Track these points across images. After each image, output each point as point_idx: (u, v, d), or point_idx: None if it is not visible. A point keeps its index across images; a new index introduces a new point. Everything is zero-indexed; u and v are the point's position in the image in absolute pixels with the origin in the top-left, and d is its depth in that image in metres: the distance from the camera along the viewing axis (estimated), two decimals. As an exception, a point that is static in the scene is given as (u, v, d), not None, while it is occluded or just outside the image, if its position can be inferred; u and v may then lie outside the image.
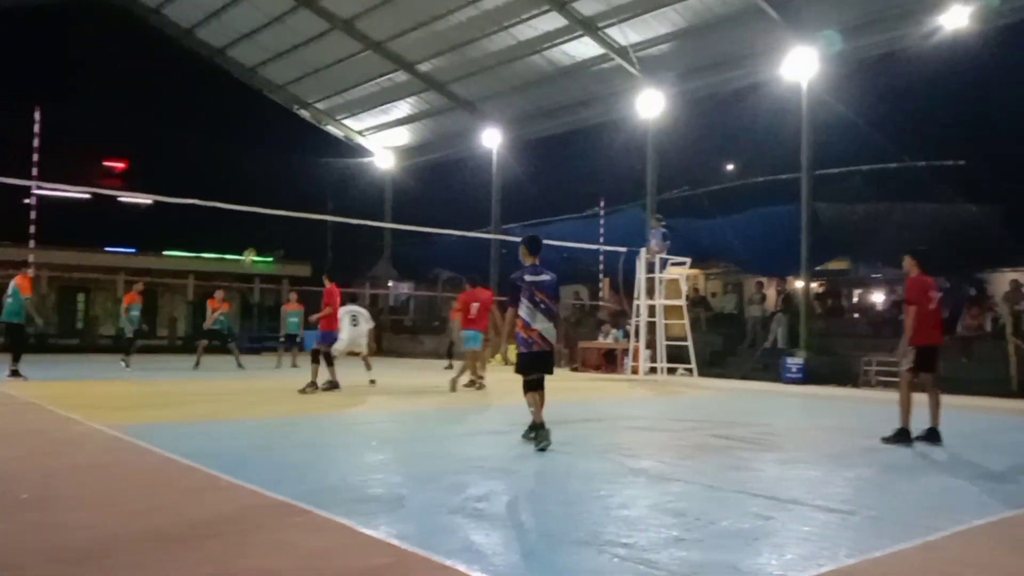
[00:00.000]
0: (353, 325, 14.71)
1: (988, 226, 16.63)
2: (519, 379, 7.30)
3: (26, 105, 26.61)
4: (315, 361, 12.49)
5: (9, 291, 14.01)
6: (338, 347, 13.91)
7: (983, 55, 16.98)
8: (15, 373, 13.70)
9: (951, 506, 5.32)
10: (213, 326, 18.35)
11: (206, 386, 13.95)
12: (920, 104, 19.44)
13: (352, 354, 14.95)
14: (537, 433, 7.08)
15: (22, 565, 3.58)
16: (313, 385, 12.25)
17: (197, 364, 17.62)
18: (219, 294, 18.82)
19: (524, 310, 7.08)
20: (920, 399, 7.94)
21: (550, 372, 7.28)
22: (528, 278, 7.15)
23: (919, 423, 7.83)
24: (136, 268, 30.06)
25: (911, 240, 19.40)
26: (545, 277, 7.19)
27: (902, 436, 7.74)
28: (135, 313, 17.75)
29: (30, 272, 14.49)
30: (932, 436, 7.81)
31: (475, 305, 13.43)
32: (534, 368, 7.17)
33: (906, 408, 7.84)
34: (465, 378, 13.71)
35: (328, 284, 12.78)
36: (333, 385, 12.60)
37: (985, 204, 17.22)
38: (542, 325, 7.06)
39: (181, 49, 28.21)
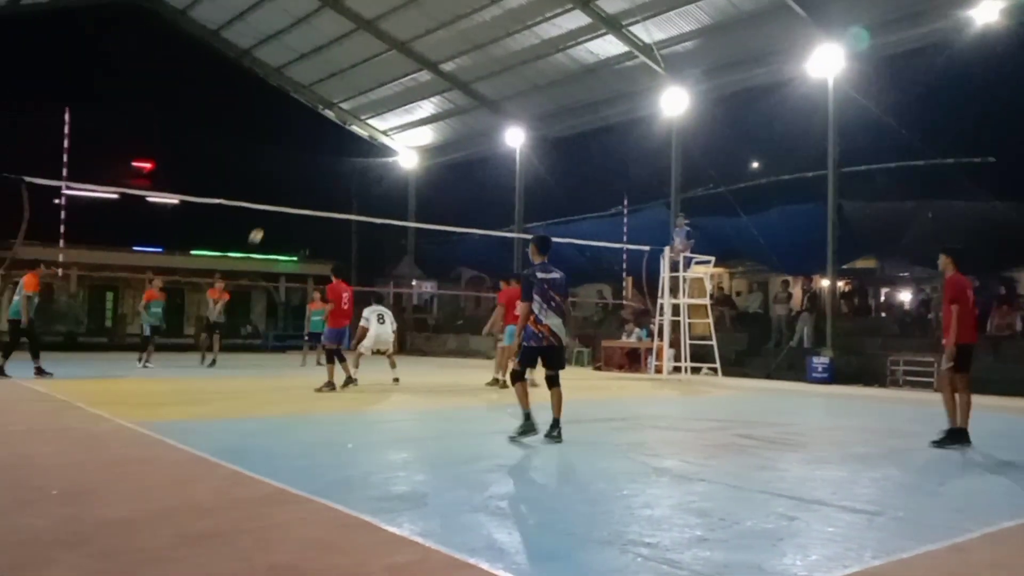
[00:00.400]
0: (380, 323, 14.75)
1: (1018, 224, 16.37)
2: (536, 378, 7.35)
3: (56, 107, 27.05)
4: (330, 361, 12.46)
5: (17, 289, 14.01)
6: (365, 344, 13.99)
7: (1013, 50, 16.72)
8: (40, 371, 13.81)
9: (979, 507, 5.26)
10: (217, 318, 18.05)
11: (231, 383, 14.09)
12: (949, 100, 19.16)
13: (378, 352, 15.00)
14: (523, 424, 7.23)
15: (55, 559, 3.65)
16: (330, 385, 12.21)
17: (214, 361, 17.64)
18: (219, 284, 18.43)
19: (536, 305, 7.21)
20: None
21: (561, 367, 7.45)
22: (540, 275, 7.30)
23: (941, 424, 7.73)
24: (164, 267, 30.38)
25: (939, 238, 19.25)
26: (555, 275, 7.35)
27: (956, 436, 7.55)
28: (156, 310, 17.63)
29: (40, 269, 14.32)
30: (960, 437, 7.68)
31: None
32: (536, 361, 7.41)
33: (951, 408, 7.69)
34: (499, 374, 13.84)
35: (333, 280, 12.78)
36: (349, 380, 12.60)
37: (1015, 201, 16.96)
38: (552, 321, 7.19)
39: (208, 50, 28.47)
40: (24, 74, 28.46)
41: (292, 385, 13.87)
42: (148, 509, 4.65)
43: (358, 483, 5.58)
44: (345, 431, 8.55)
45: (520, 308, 7.48)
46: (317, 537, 4.12)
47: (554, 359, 7.40)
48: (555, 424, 7.30)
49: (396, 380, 14.13)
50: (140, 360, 17.40)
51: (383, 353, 14.99)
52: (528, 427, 7.22)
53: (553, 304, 7.19)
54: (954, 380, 7.73)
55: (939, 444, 7.53)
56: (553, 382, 7.44)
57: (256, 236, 15.83)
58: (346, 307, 12.58)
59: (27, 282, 13.82)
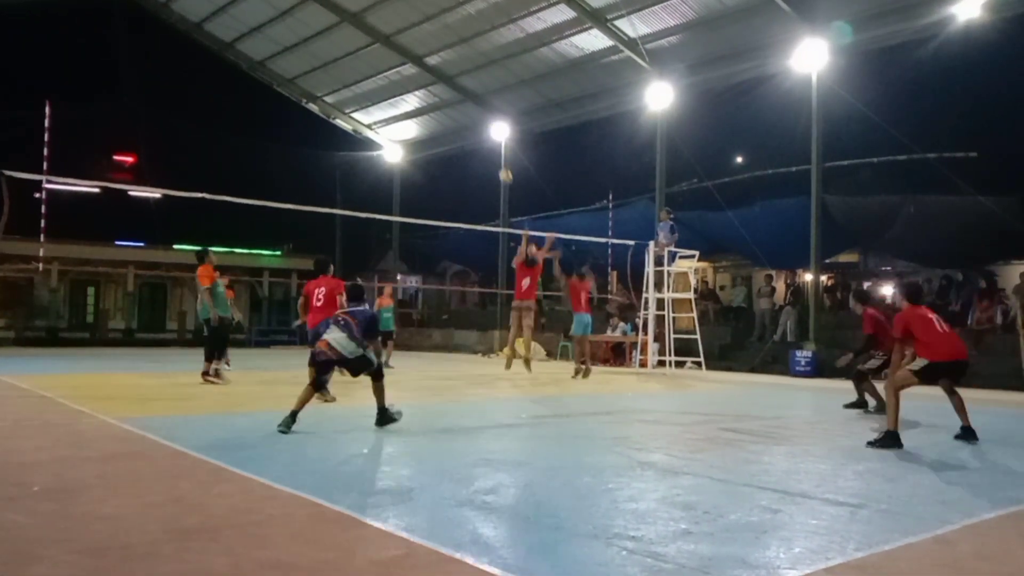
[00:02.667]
0: None
1: (1000, 218, 16.53)
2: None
3: (35, 100, 26.75)
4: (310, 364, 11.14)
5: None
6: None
7: (996, 45, 16.85)
8: (206, 374, 12.71)
9: (962, 499, 5.31)
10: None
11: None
12: (932, 96, 19.32)
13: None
14: (286, 419, 7.44)
15: (39, 556, 3.62)
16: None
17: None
18: (209, 258, 17.61)
19: (327, 330, 7.92)
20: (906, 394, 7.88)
21: (357, 372, 8.05)
22: (340, 312, 8.30)
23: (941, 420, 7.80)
24: (146, 262, 30.19)
25: (921, 232, 19.45)
26: (360, 307, 8.17)
27: (892, 439, 7.25)
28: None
29: (211, 258, 12.98)
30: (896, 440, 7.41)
31: (584, 294, 15.71)
32: (326, 371, 8.08)
33: (960, 408, 7.76)
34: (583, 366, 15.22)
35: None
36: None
37: (997, 196, 17.11)
38: (331, 335, 7.71)
39: (190, 43, 28.26)
40: (3, 67, 28.15)
41: (276, 380, 13.82)
42: (133, 505, 4.62)
43: (344, 478, 5.57)
44: (332, 426, 8.53)
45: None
46: (303, 532, 4.11)
47: (350, 368, 7.98)
48: (380, 411, 7.95)
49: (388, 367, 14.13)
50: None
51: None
52: (287, 423, 7.41)
53: (342, 324, 7.77)
54: (902, 383, 7.43)
55: (875, 444, 7.26)
56: (374, 378, 7.98)
57: (506, 176, 15.75)
58: (320, 303, 10.73)
59: (201, 275, 12.74)
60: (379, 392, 7.99)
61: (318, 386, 8.08)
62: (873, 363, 10.25)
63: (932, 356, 7.41)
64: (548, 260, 15.01)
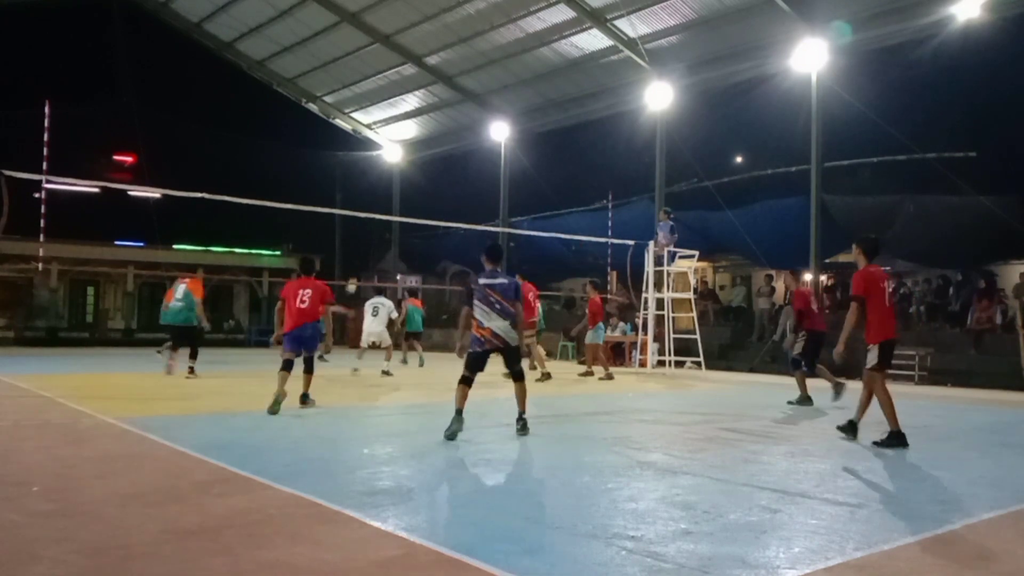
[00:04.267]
0: (373, 316, 14.74)
1: (999, 218, 16.52)
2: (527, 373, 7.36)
3: (35, 100, 26.74)
4: (283, 368, 9.62)
5: (180, 294, 13.85)
6: (362, 338, 14.01)
7: (995, 45, 16.85)
8: (192, 370, 13.55)
9: (961, 499, 5.31)
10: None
11: (216, 379, 14.00)
12: (931, 95, 19.29)
13: (374, 346, 15.04)
14: (452, 420, 7.23)
15: (38, 556, 3.62)
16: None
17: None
18: (199, 273, 16.84)
19: (478, 311, 7.36)
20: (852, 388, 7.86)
21: (516, 365, 7.60)
22: (482, 280, 7.46)
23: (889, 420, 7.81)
24: (146, 262, 30.16)
25: (922, 232, 19.44)
26: (501, 280, 7.48)
27: (897, 439, 7.21)
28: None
29: (200, 275, 14.15)
30: (852, 429, 7.52)
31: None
32: (480, 365, 7.44)
33: (889, 407, 7.28)
34: (600, 371, 15.29)
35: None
36: (277, 401, 9.06)
37: (997, 196, 17.11)
38: (495, 324, 7.31)
39: (189, 43, 28.24)
40: (3, 67, 28.13)
41: (276, 380, 13.78)
42: (133, 505, 4.62)
43: (343, 478, 5.57)
44: (331, 426, 8.54)
45: (462, 314, 7.66)
46: (303, 532, 4.11)
47: (507, 359, 7.56)
48: (519, 418, 7.56)
49: (385, 373, 14.14)
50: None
51: (377, 346, 15.01)
52: (455, 423, 7.20)
53: (497, 308, 7.29)
54: (875, 378, 7.37)
55: (881, 444, 7.22)
56: (516, 377, 7.63)
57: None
58: (304, 305, 9.57)
59: (194, 288, 13.88)
60: (523, 396, 7.57)
61: (463, 380, 7.40)
62: (799, 345, 11.02)
63: (876, 337, 7.33)
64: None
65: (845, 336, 7.53)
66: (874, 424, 7.52)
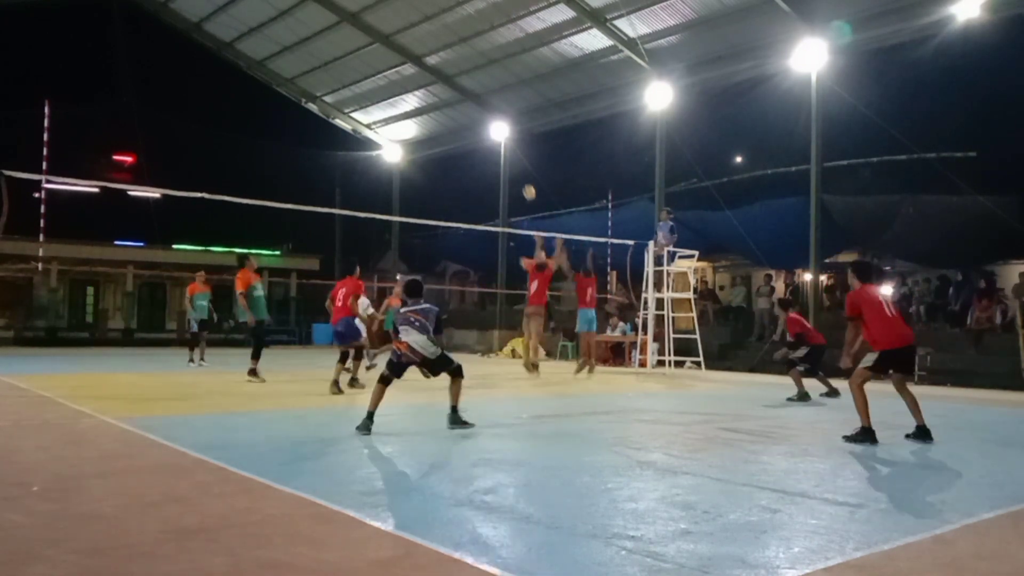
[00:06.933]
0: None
1: (999, 218, 16.52)
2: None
3: (35, 100, 26.74)
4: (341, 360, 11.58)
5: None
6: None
7: (995, 45, 16.85)
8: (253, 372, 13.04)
9: (961, 499, 5.31)
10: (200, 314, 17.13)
11: (216, 379, 14.00)
12: (931, 95, 19.28)
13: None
14: (363, 421, 7.54)
15: (38, 556, 3.62)
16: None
17: (202, 357, 17.12)
18: (200, 275, 17.53)
19: (401, 331, 7.71)
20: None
21: (438, 371, 7.98)
22: (403, 310, 7.90)
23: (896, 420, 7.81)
24: (145, 262, 30.18)
25: (921, 232, 19.45)
26: (423, 305, 7.85)
27: (866, 435, 7.43)
28: (202, 303, 16.95)
29: (251, 262, 13.36)
30: (870, 436, 7.51)
31: (589, 290, 16.03)
32: (400, 373, 7.83)
33: (861, 406, 7.52)
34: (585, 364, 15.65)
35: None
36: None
37: (997, 196, 17.12)
38: (411, 337, 7.61)
39: (189, 43, 28.24)
40: (3, 67, 28.14)
41: (276, 379, 13.80)
42: (133, 505, 4.62)
43: (343, 478, 5.57)
44: (330, 426, 8.54)
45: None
46: (303, 532, 4.11)
47: (431, 367, 7.91)
48: (452, 410, 7.96)
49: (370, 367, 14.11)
50: (192, 359, 16.68)
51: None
52: (365, 425, 7.45)
53: (417, 324, 7.62)
54: (859, 374, 7.59)
55: (850, 439, 7.46)
56: (453, 375, 7.93)
57: (530, 193, 16.00)
58: (340, 304, 11.55)
59: (238, 279, 13.11)
60: (456, 391, 8.00)
61: (382, 379, 7.82)
62: (800, 351, 11.68)
63: (881, 346, 7.55)
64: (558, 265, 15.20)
65: (847, 351, 7.90)
66: (904, 423, 7.52)
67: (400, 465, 6.26)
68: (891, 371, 7.72)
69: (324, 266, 33.19)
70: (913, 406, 7.64)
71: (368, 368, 14.38)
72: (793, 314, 12.27)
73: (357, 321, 11.75)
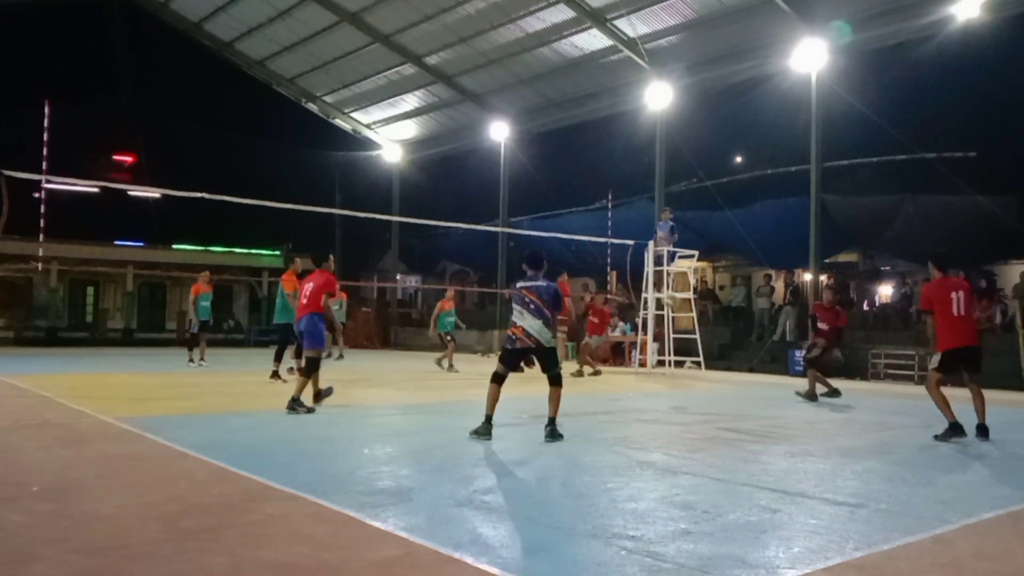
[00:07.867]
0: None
1: (999, 218, 16.52)
2: (528, 373, 7.37)
3: (35, 100, 26.74)
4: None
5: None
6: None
7: (995, 45, 16.85)
8: (275, 374, 12.95)
9: (961, 499, 5.31)
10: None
11: (216, 379, 14.01)
12: (931, 95, 19.30)
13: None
14: (482, 425, 7.17)
15: (39, 556, 3.62)
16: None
17: (202, 358, 17.00)
18: (204, 276, 17.17)
19: (514, 311, 7.33)
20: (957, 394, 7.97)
21: (549, 366, 7.33)
22: (520, 284, 7.40)
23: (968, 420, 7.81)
24: (145, 261, 30.15)
25: (921, 232, 19.43)
26: (539, 282, 7.32)
27: (954, 430, 7.66)
28: (204, 304, 16.79)
29: (296, 265, 13.18)
30: (959, 431, 7.72)
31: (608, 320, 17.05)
32: (514, 363, 7.43)
33: (943, 406, 7.74)
34: (588, 369, 16.18)
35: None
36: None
37: (996, 196, 17.12)
38: (527, 322, 7.18)
39: (189, 43, 28.25)
40: (2, 67, 28.13)
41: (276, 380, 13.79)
42: (133, 505, 4.62)
43: (343, 478, 5.57)
44: (330, 425, 8.53)
45: None
46: (303, 532, 4.11)
47: (541, 360, 7.38)
48: (549, 422, 7.25)
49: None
50: (192, 359, 16.59)
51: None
52: (484, 429, 7.14)
53: (532, 307, 7.15)
54: (931, 377, 7.84)
55: (940, 438, 7.67)
56: (552, 382, 7.33)
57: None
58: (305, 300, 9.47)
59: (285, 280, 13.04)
60: (556, 401, 7.22)
61: (495, 377, 7.23)
62: (815, 351, 11.78)
63: (942, 346, 7.68)
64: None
65: (933, 347, 7.92)
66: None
67: (401, 465, 6.25)
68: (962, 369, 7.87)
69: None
70: (979, 406, 7.81)
71: (331, 356, 14.12)
72: (818, 304, 12.79)
73: (323, 326, 9.42)
